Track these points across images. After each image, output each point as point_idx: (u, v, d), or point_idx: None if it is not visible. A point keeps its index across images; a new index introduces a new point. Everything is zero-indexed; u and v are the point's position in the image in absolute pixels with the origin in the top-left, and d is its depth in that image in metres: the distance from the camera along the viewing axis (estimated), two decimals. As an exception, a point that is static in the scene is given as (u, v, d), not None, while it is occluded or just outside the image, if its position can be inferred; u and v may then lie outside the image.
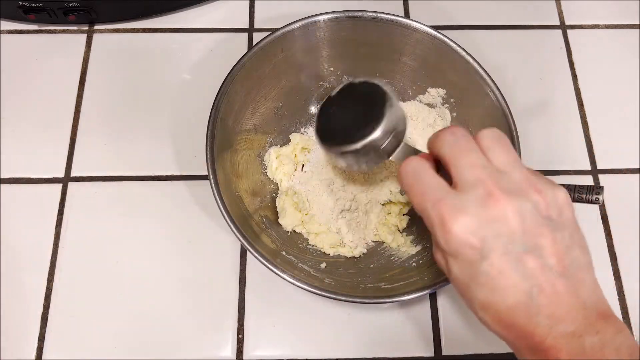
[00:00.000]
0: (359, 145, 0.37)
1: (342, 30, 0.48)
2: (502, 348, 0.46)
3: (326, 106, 0.42)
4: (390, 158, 0.38)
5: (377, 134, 0.37)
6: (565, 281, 0.29)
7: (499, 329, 0.31)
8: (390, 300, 0.41)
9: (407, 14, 0.60)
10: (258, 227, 0.46)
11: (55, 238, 0.48)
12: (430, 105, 0.52)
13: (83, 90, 0.55)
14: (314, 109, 0.54)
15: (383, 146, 0.37)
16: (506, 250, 0.29)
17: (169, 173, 0.51)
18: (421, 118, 0.52)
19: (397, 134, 0.37)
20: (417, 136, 0.52)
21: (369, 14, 0.47)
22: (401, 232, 0.50)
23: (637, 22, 0.61)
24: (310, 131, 0.53)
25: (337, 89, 0.42)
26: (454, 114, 0.50)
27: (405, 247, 0.48)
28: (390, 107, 0.37)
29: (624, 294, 0.49)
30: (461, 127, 0.34)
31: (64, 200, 0.50)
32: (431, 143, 0.34)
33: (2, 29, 0.57)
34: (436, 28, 0.47)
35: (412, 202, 0.33)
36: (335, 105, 0.42)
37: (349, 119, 0.40)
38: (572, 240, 0.31)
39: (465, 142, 0.32)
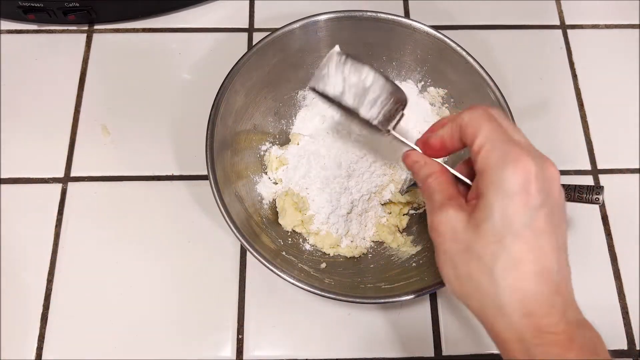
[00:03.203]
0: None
1: (342, 30, 0.48)
2: (502, 348, 0.46)
3: None
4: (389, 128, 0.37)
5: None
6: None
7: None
8: (390, 300, 0.41)
9: (407, 14, 0.60)
10: (258, 227, 0.46)
11: (55, 238, 0.48)
12: (430, 105, 0.52)
13: (83, 90, 0.55)
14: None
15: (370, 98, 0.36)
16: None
17: (169, 173, 0.51)
18: (420, 111, 0.51)
19: (388, 102, 0.37)
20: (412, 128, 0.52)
21: (369, 14, 0.47)
22: (401, 232, 0.50)
23: (637, 22, 0.61)
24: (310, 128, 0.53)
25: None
26: (454, 113, 0.50)
27: (405, 247, 0.48)
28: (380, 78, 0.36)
29: (624, 294, 0.49)
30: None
31: (63, 200, 0.50)
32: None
33: (2, 29, 0.57)
34: (436, 28, 0.47)
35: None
36: None
37: None
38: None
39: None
